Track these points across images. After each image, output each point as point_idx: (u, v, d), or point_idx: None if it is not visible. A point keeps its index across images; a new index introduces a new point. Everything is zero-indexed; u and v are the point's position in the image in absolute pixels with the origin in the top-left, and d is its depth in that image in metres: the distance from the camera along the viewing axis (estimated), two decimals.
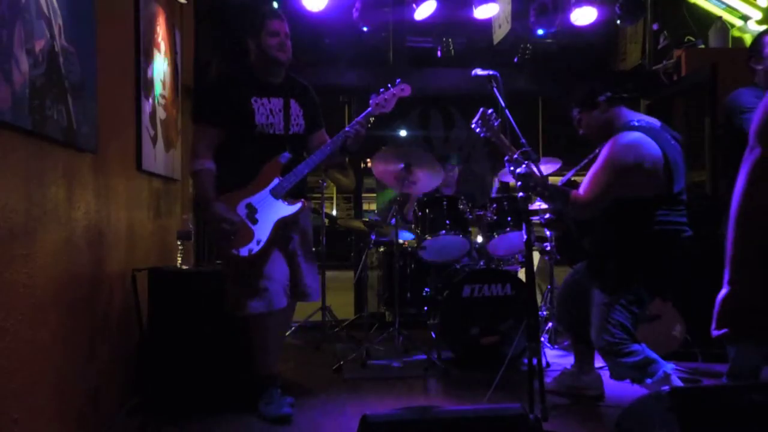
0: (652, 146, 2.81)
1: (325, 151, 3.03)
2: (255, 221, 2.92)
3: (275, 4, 4.66)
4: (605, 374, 3.54)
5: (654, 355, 2.83)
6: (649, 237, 2.86)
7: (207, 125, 3.00)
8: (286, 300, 2.98)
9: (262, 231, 2.91)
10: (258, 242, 2.89)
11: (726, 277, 1.21)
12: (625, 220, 2.88)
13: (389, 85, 3.19)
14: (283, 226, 2.96)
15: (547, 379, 3.33)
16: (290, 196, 2.98)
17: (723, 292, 1.22)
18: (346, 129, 3.07)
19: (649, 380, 2.80)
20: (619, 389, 3.40)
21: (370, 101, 3.16)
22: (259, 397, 2.99)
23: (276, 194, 2.96)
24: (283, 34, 3.03)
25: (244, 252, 2.87)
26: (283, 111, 3.05)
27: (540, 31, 5.17)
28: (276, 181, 2.97)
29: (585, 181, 2.94)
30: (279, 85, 3.09)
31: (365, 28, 5.16)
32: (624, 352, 2.84)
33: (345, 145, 3.07)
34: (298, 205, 2.97)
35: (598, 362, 3.82)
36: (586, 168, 3.09)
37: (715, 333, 1.24)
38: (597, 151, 3.05)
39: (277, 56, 3.00)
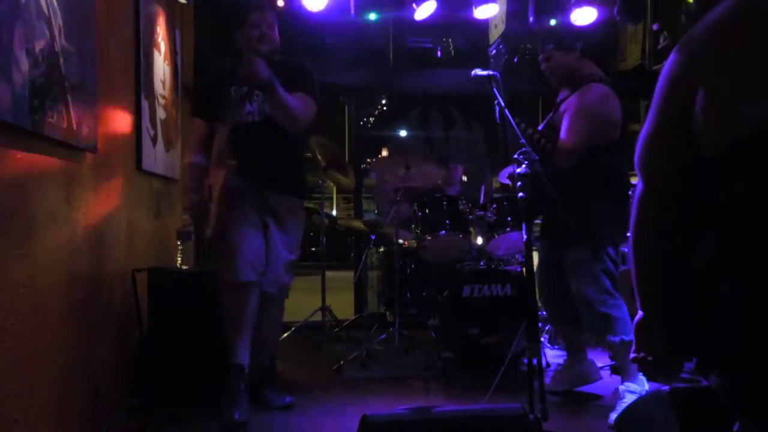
0: (616, 100, 3.10)
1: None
2: None
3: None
4: (604, 374, 3.55)
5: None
6: (615, 184, 3.10)
7: (196, 119, 3.15)
8: (254, 276, 2.92)
9: None
10: None
11: (638, 302, 1.23)
12: (592, 172, 3.04)
13: None
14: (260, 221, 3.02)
15: (546, 380, 3.33)
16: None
17: (637, 316, 1.24)
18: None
19: (625, 338, 2.96)
20: None
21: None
22: (223, 391, 2.85)
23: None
24: (264, 25, 3.01)
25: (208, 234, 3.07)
26: (263, 97, 2.99)
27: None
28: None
29: (564, 131, 3.06)
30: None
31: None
32: (612, 303, 3.02)
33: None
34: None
35: (598, 361, 3.82)
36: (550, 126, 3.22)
37: (632, 356, 1.26)
38: (560, 108, 3.17)
39: (258, 48, 2.98)
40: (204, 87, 3.19)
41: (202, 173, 3.08)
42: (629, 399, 2.92)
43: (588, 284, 3.04)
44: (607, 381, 3.45)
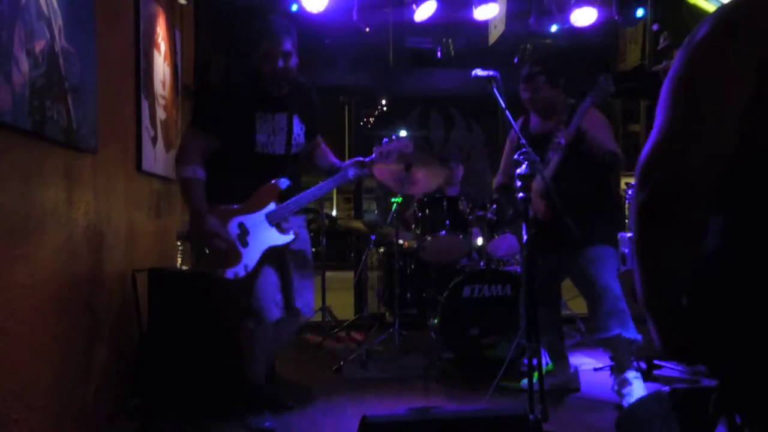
0: None
1: (323, 189, 2.99)
2: (246, 244, 2.77)
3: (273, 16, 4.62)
4: (604, 374, 3.55)
5: None
6: (611, 188, 3.38)
7: (203, 131, 2.82)
8: (279, 312, 2.83)
9: (251, 256, 2.77)
10: (245, 267, 2.75)
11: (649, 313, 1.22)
12: (600, 177, 3.23)
13: (394, 137, 3.13)
14: (273, 253, 2.83)
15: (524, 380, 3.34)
16: (284, 224, 2.89)
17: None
18: (349, 174, 3.03)
19: (625, 333, 3.03)
20: None
21: (375, 149, 3.07)
22: (246, 408, 2.87)
23: (271, 220, 2.83)
24: (276, 55, 2.75)
25: (230, 274, 2.73)
26: (286, 129, 2.89)
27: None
28: (272, 206, 2.83)
29: (604, 140, 3.16)
30: (284, 97, 2.88)
31: (367, 29, 5.16)
32: (624, 300, 3.13)
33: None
34: (291, 236, 2.85)
35: (598, 362, 3.82)
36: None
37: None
38: (558, 139, 3.18)
39: (271, 81, 2.80)
40: (221, 101, 2.89)
41: (205, 190, 2.77)
42: (637, 385, 3.01)
43: (613, 278, 3.13)
44: (607, 381, 3.44)
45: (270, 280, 2.84)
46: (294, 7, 4.66)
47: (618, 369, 3.11)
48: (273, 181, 2.85)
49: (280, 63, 2.76)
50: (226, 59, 4.89)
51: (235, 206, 2.81)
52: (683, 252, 1.04)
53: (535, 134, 3.34)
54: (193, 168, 2.76)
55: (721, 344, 1.06)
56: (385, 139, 3.11)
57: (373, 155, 3.07)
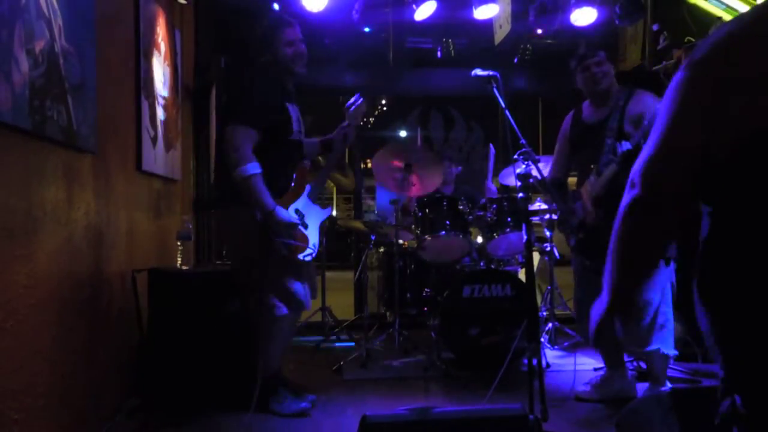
0: None
1: (330, 162, 3.27)
2: (306, 226, 3.00)
3: (276, 6, 4.66)
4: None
5: None
6: None
7: (249, 127, 2.89)
8: (309, 303, 3.08)
9: (314, 236, 3.03)
10: (313, 246, 2.98)
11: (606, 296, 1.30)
12: None
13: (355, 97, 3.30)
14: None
15: (579, 387, 3.28)
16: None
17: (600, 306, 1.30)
18: (337, 136, 3.24)
19: (663, 349, 3.03)
20: None
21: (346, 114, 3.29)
22: (269, 398, 3.02)
23: (312, 198, 3.06)
24: (297, 41, 3.03)
25: (306, 258, 2.97)
26: (300, 117, 3.15)
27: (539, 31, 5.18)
28: (309, 186, 3.06)
29: None
30: (292, 90, 3.15)
31: (366, 29, 5.16)
32: (671, 316, 3.07)
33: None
34: (329, 209, 3.13)
35: (598, 362, 3.80)
36: None
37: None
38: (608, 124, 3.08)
39: (295, 67, 3.04)
40: (258, 95, 3.00)
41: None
42: None
43: (657, 292, 3.02)
44: None
45: (306, 268, 3.06)
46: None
47: (654, 382, 3.08)
48: (302, 164, 3.09)
49: (302, 47, 3.02)
50: (228, 58, 4.89)
51: (285, 194, 3.00)
52: (662, 236, 1.20)
53: (591, 123, 3.21)
54: (252, 165, 2.85)
55: (721, 331, 1.07)
56: (349, 103, 3.27)
57: (345, 122, 3.26)
